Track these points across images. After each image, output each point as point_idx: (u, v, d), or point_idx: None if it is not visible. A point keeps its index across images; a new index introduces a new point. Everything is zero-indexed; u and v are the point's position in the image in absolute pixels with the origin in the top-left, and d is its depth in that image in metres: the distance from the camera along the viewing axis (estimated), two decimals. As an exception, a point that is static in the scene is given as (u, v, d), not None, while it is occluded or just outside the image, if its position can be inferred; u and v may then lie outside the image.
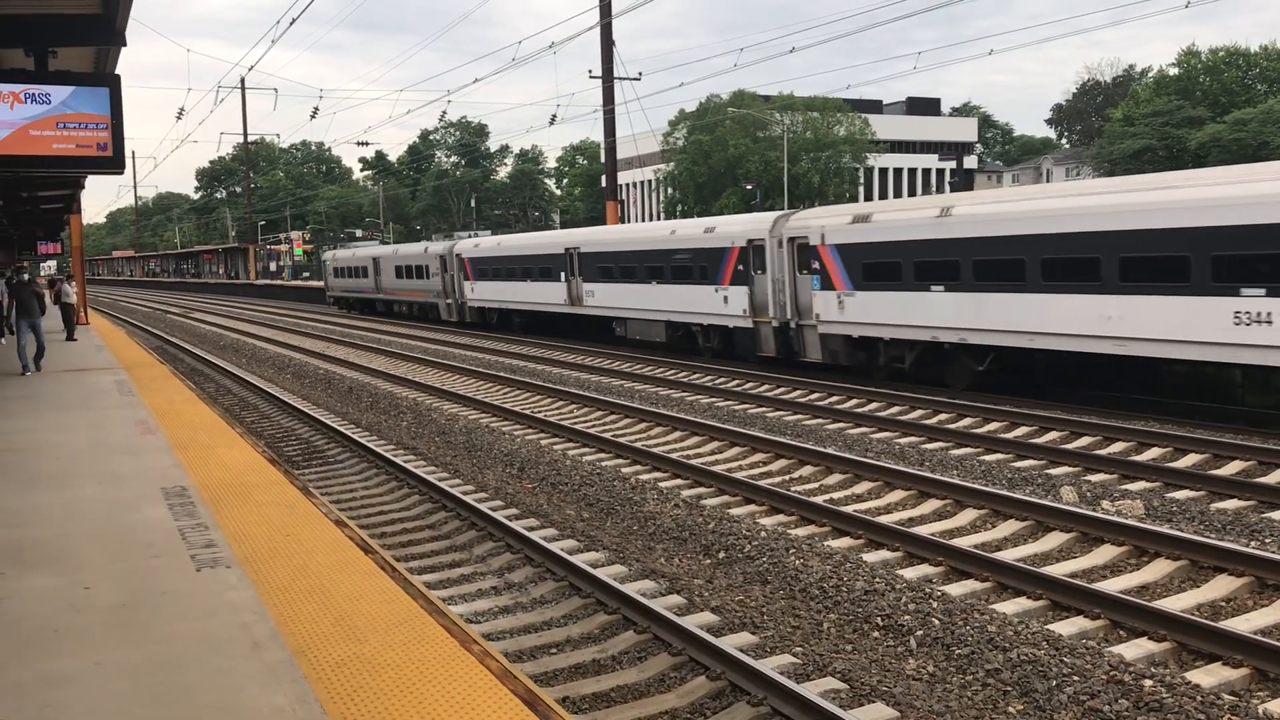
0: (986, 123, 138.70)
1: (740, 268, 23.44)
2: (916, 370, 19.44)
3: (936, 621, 7.65)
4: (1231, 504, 10.79)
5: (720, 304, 24.19)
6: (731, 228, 24.36)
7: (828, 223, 21.13)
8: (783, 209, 42.50)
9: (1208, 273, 14.06)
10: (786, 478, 12.86)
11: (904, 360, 19.67)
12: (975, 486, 11.31)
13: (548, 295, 32.22)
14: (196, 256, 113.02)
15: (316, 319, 47.72)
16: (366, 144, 74.93)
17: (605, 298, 29.21)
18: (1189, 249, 14.25)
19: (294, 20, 27.49)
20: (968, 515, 10.77)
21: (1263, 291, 13.50)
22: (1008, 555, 9.34)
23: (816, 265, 21.03)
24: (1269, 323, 13.46)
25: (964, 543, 9.73)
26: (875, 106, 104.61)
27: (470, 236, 44.45)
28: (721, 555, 9.71)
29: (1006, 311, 16.97)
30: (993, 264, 17.17)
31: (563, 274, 31.19)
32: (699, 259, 24.83)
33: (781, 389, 19.91)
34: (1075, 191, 17.03)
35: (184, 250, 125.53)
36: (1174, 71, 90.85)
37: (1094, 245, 15.51)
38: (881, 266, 19.64)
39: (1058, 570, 8.86)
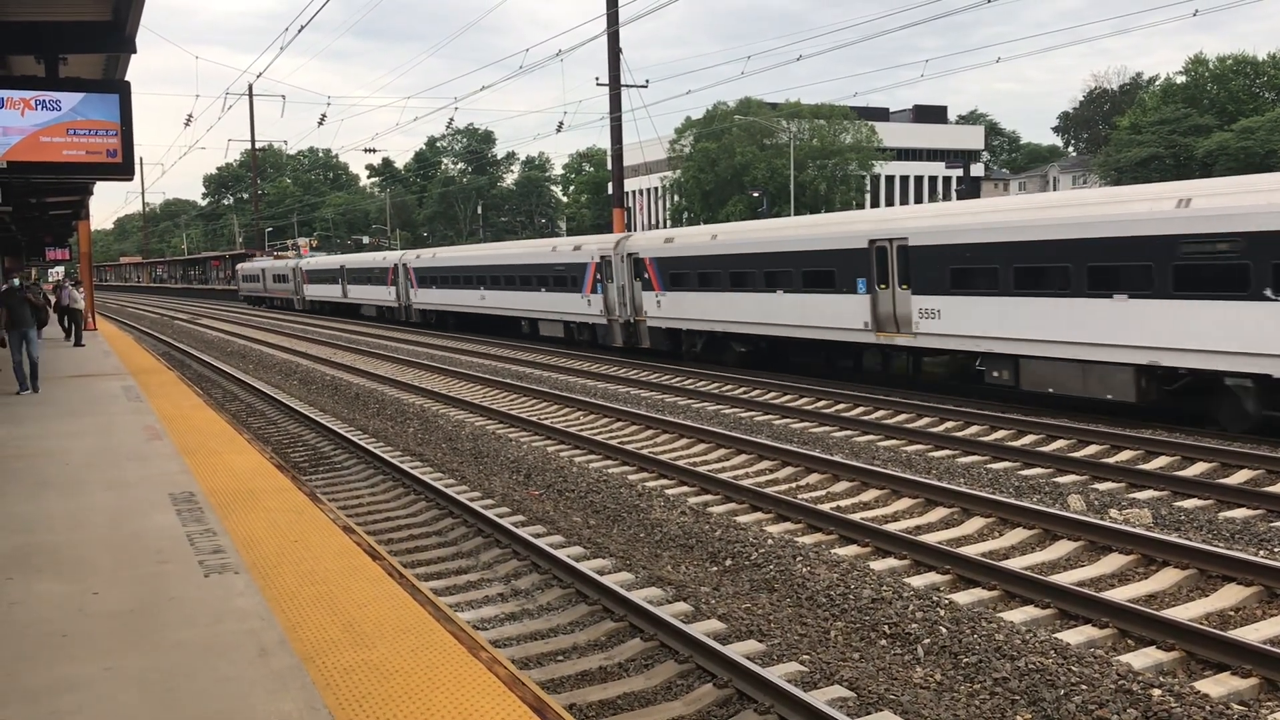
0: (993, 130, 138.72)
1: (393, 278, 45.62)
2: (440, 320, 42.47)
3: (944, 630, 7.64)
4: (1240, 513, 10.76)
5: (389, 295, 46.62)
6: (390, 255, 48.01)
7: (408, 255, 44.96)
8: (789, 215, 44.01)
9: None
10: (793, 485, 12.85)
11: (437, 318, 42.90)
12: (982, 494, 11.29)
13: (335, 293, 54.54)
14: (204, 263, 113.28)
15: (323, 325, 47.85)
16: (374, 151, 75.70)
17: (357, 294, 51.46)
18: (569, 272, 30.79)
19: (302, 28, 27.59)
20: (975, 523, 10.75)
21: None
22: (1015, 563, 9.32)
23: (414, 279, 43.57)
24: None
25: (971, 551, 9.71)
26: (882, 114, 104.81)
27: (314, 256, 70.02)
28: (728, 562, 9.70)
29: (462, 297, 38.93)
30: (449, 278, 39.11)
31: (340, 280, 53.68)
32: (377, 273, 47.61)
33: (788, 396, 19.91)
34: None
35: (191, 256, 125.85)
36: (1181, 79, 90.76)
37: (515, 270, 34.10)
38: (431, 279, 41.53)
39: (1065, 579, 8.85)
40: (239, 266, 78.84)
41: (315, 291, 58.03)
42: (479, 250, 39.80)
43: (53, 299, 33.28)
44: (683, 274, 25.15)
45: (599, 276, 28.39)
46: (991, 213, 17.88)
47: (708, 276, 24.32)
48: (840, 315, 20.44)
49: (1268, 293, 13.51)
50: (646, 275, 26.45)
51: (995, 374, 17.57)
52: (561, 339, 31.87)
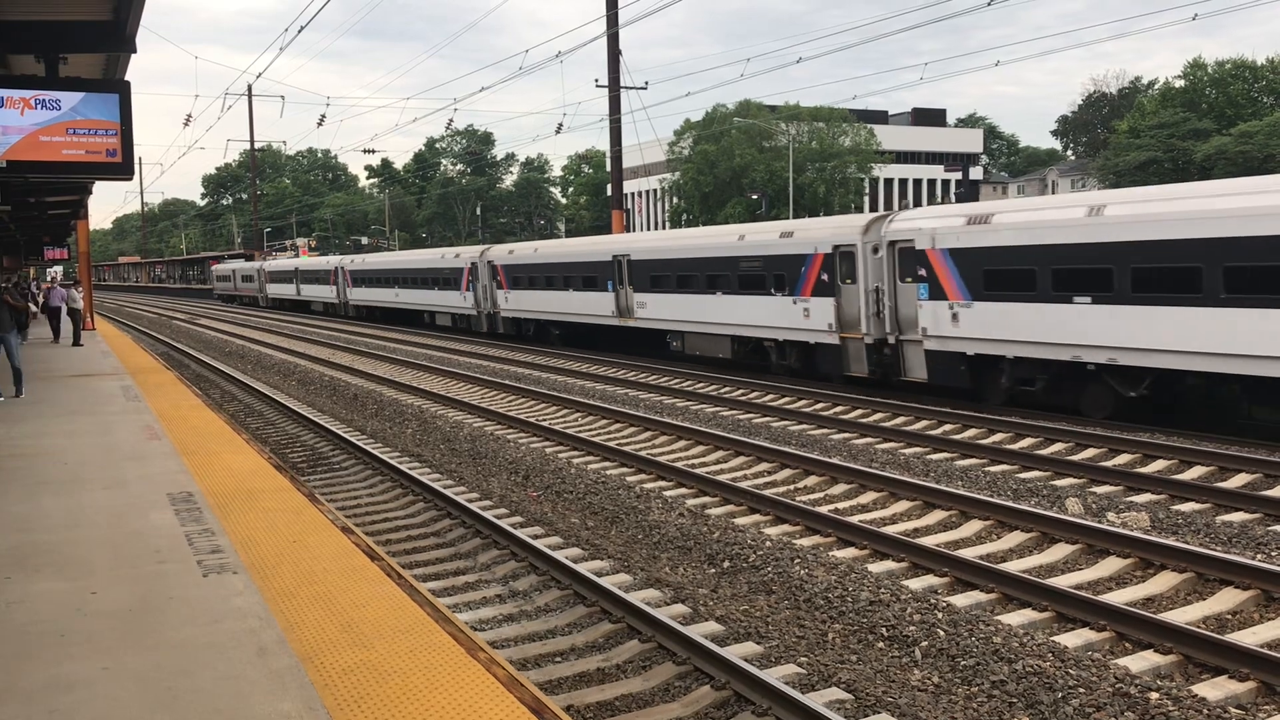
0: (992, 134, 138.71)
1: (334, 279, 54.30)
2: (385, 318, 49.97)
3: (942, 632, 7.65)
4: (1238, 516, 10.77)
5: (331, 293, 55.65)
6: (332, 260, 57.48)
7: (344, 260, 54.28)
8: (789, 218, 44.30)
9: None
10: (791, 487, 12.85)
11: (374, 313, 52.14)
12: (980, 497, 11.29)
13: (290, 292, 63.19)
14: (202, 263, 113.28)
15: (321, 326, 47.82)
16: (373, 151, 76.29)
17: (307, 291, 59.93)
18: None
19: (302, 28, 27.56)
20: (973, 526, 10.76)
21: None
22: (1013, 566, 9.33)
23: (349, 280, 52.58)
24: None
25: (969, 554, 9.72)
26: (881, 117, 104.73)
27: (276, 260, 78.14)
28: (726, 565, 9.71)
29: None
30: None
31: (294, 280, 62.20)
32: (323, 274, 56.50)
33: (786, 399, 19.92)
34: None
35: (190, 256, 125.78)
36: (1180, 84, 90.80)
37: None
38: (361, 279, 50.44)
39: (1063, 582, 8.86)
40: (213, 267, 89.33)
41: (275, 290, 67.33)
42: (395, 256, 50.73)
43: (40, 300, 33.09)
44: (519, 277, 33.85)
45: (471, 278, 37.04)
46: (668, 239, 28.18)
47: (533, 279, 32.93)
48: (601, 306, 29.10)
49: (772, 291, 22.28)
50: (499, 278, 35.18)
51: (674, 344, 27.02)
52: (450, 327, 41.01)
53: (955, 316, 17.69)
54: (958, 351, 17.83)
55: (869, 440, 15.50)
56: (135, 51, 11.79)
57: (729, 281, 23.64)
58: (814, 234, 21.41)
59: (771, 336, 22.69)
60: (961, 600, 8.44)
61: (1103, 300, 15.39)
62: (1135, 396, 15.58)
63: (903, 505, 11.70)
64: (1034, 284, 16.31)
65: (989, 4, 24.81)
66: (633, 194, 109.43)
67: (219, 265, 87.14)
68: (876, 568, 9.36)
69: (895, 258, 19.03)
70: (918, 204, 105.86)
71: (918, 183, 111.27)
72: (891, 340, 19.25)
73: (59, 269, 66.84)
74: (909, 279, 18.71)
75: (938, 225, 18.22)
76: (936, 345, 18.21)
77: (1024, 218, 16.77)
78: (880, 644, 7.75)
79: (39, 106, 11.06)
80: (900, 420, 17.13)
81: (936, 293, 18.03)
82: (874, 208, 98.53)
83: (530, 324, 34.44)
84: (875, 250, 19.46)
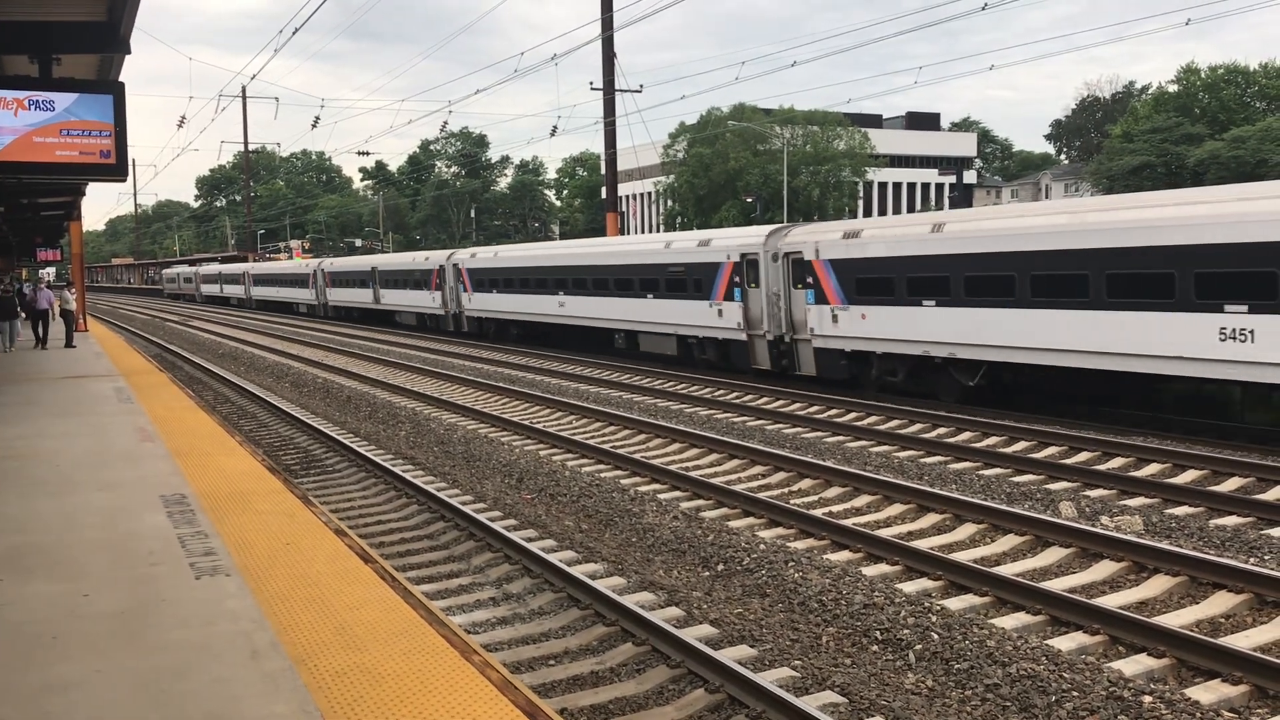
0: (986, 138, 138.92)
1: (244, 280, 72.46)
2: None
3: (935, 636, 7.65)
4: (1231, 520, 10.80)
5: (242, 291, 73.36)
6: (243, 265, 77.00)
7: (249, 267, 75.16)
8: (782, 221, 44.57)
9: None
10: (785, 490, 12.86)
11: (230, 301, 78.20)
12: (974, 501, 11.31)
13: (216, 290, 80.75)
14: (195, 265, 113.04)
15: (314, 328, 47.78)
16: (367, 154, 77.13)
17: (228, 290, 77.30)
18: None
19: (296, 30, 27.53)
20: (967, 529, 10.77)
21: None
22: (1007, 570, 9.34)
23: (252, 281, 72.54)
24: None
25: (963, 557, 9.73)
26: (875, 121, 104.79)
27: (208, 265, 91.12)
28: (720, 567, 9.71)
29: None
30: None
31: (219, 282, 79.45)
32: (237, 276, 74.82)
33: (780, 401, 19.94)
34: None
35: (183, 259, 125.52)
36: (1173, 88, 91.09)
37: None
38: (260, 281, 70.09)
39: (1057, 585, 8.87)
40: (163, 271, 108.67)
41: (206, 289, 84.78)
42: (279, 265, 72.11)
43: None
44: (335, 279, 53.13)
45: (314, 281, 56.28)
46: (394, 259, 47.09)
47: (342, 280, 52.18)
48: (368, 297, 47.51)
49: (425, 288, 41.40)
50: (326, 280, 54.45)
51: (398, 318, 46.43)
52: (304, 313, 58.92)
53: (470, 299, 36.58)
54: (474, 316, 36.83)
55: (863, 443, 15.51)
56: (129, 52, 11.78)
57: (412, 282, 42.21)
58: (433, 258, 40.37)
59: (425, 311, 41.40)
60: (955, 604, 8.45)
61: (570, 293, 30.28)
62: (621, 342, 29.45)
63: (897, 508, 11.71)
64: (512, 286, 32.79)
65: (984, 7, 24.89)
66: (627, 196, 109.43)
67: (167, 270, 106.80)
68: (871, 571, 9.37)
69: (458, 272, 37.40)
70: (911, 209, 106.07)
71: (912, 186, 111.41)
72: (455, 310, 38.11)
73: (51, 269, 66.74)
74: (459, 283, 37.38)
75: (464, 258, 37.05)
76: (470, 314, 37.11)
77: (490, 257, 35.08)
78: (874, 647, 7.75)
79: (32, 107, 11.04)
80: (893, 424, 17.15)
81: (465, 289, 36.89)
82: (868, 211, 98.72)
83: (344, 309, 53.04)
84: (454, 267, 38.03)
